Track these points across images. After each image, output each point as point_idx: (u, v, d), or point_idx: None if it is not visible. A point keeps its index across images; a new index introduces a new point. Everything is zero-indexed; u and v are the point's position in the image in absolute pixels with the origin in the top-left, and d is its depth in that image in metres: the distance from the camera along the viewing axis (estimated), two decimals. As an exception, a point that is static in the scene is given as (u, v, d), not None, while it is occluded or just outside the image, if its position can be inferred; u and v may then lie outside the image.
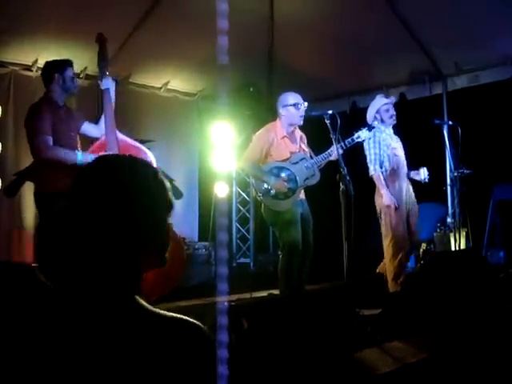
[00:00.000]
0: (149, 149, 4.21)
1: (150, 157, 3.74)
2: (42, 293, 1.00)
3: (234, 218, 7.49)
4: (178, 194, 3.89)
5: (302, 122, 4.21)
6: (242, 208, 7.53)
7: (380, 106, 4.55)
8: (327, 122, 3.79)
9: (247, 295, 4.56)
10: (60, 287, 1.00)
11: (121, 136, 3.68)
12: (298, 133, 4.31)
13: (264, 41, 6.08)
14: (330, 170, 4.16)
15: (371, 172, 4.43)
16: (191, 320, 0.99)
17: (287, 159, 4.16)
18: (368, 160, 4.44)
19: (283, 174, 4.13)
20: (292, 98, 4.16)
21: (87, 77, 5.80)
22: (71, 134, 3.60)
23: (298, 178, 4.13)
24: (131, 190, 1.02)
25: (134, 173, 1.05)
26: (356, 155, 4.47)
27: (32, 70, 5.49)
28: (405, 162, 4.59)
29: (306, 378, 2.55)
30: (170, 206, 1.08)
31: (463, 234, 5.57)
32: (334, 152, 3.95)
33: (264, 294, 4.79)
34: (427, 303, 3.37)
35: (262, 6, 5.65)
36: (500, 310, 3.40)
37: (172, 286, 3.62)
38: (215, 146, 6.46)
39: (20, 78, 5.48)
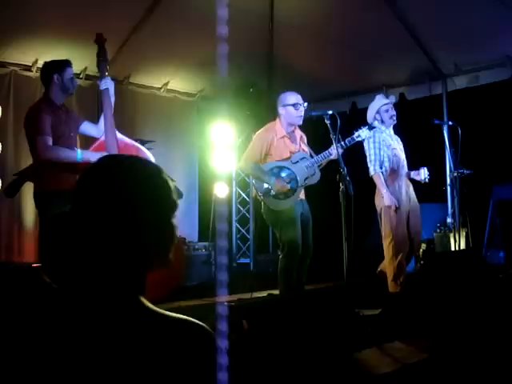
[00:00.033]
0: (149, 149, 4.22)
1: (150, 157, 3.74)
2: (45, 293, 1.00)
3: (234, 218, 7.49)
4: (178, 194, 3.88)
5: (301, 122, 4.20)
6: (241, 208, 7.53)
7: (380, 106, 4.54)
8: (327, 122, 3.78)
9: (247, 295, 4.57)
10: (64, 288, 1.00)
11: (120, 136, 3.68)
12: (298, 132, 4.30)
13: (264, 41, 6.08)
14: (330, 170, 4.16)
15: (371, 172, 4.42)
16: (195, 321, 0.99)
17: (287, 159, 4.14)
18: (368, 160, 4.43)
19: (284, 174, 4.11)
20: (291, 97, 4.15)
21: (87, 77, 5.81)
22: (70, 135, 3.61)
23: (298, 178, 4.12)
24: (135, 190, 1.02)
25: (138, 173, 1.05)
26: (356, 155, 4.46)
27: (32, 71, 5.50)
28: (405, 163, 4.58)
29: (306, 378, 2.55)
30: (174, 205, 1.07)
31: (463, 234, 5.57)
32: (334, 151, 3.94)
33: (264, 294, 4.79)
34: (427, 303, 3.37)
35: (262, 6, 5.65)
36: (500, 310, 3.40)
37: (171, 287, 3.62)
38: (215, 146, 6.47)
39: (20, 79, 5.49)
